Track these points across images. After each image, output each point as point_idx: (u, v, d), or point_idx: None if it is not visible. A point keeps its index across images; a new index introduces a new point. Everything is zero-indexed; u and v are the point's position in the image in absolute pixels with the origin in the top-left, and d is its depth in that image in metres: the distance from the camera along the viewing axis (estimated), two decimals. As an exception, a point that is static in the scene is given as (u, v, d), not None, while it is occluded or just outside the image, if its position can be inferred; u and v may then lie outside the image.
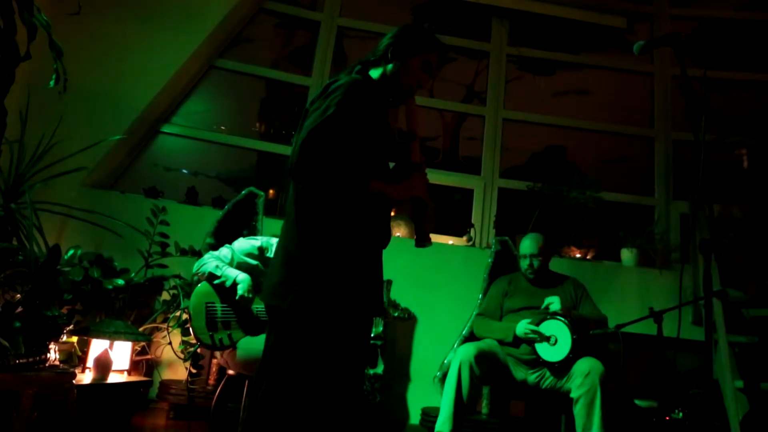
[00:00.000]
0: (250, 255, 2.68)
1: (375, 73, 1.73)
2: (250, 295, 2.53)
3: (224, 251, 2.67)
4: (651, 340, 2.61)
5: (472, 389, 2.68)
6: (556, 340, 2.72)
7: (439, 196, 4.75)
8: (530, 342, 2.77)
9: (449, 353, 3.31)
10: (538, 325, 2.77)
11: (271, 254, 2.72)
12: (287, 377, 1.49)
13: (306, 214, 1.54)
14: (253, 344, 2.51)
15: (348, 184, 1.51)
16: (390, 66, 1.70)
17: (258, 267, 2.68)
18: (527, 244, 3.07)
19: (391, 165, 1.77)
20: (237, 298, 2.52)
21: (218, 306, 2.56)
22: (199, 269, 2.61)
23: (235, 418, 2.77)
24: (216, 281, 2.56)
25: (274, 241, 2.78)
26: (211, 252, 2.69)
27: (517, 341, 2.83)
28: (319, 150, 1.46)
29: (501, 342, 2.89)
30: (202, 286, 2.59)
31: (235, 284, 2.53)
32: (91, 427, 2.55)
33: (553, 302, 2.86)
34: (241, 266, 2.64)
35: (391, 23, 4.88)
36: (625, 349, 2.70)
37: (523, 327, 2.79)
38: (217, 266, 2.57)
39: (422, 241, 1.68)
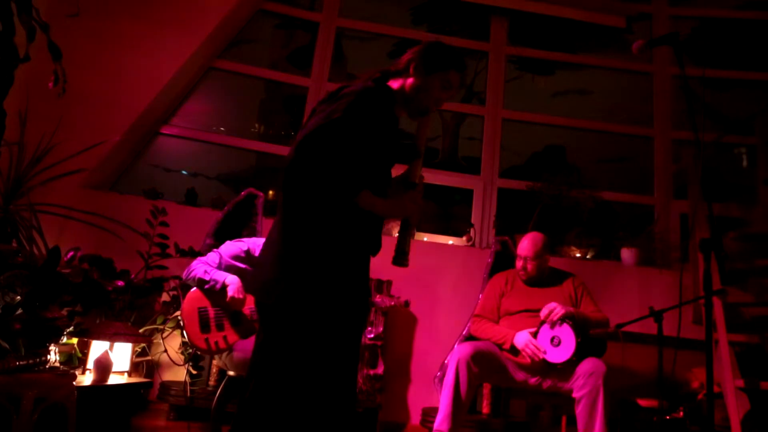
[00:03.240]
0: (237, 258, 2.70)
1: (394, 84, 1.72)
2: (241, 296, 2.55)
3: (212, 256, 2.69)
4: (651, 340, 2.61)
5: (470, 387, 2.68)
6: (560, 341, 2.72)
7: (439, 196, 4.75)
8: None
9: (449, 353, 3.31)
10: (539, 328, 2.76)
11: (257, 254, 2.74)
12: (275, 375, 1.49)
13: (294, 214, 1.54)
14: (249, 345, 2.52)
15: (336, 193, 1.49)
16: (410, 80, 1.69)
17: (246, 269, 2.70)
18: (524, 245, 3.04)
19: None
20: (227, 300, 2.53)
21: (210, 310, 2.58)
22: (188, 276, 2.63)
23: (235, 419, 2.76)
24: (206, 286, 2.57)
25: (261, 242, 2.80)
26: (199, 258, 2.71)
27: (516, 350, 2.82)
28: (316, 152, 1.45)
29: (499, 347, 2.88)
30: (193, 292, 2.61)
31: (225, 287, 2.55)
32: (92, 429, 2.55)
33: (553, 310, 2.78)
34: (230, 269, 2.66)
35: (391, 24, 4.88)
36: (626, 348, 2.70)
37: (523, 342, 2.77)
38: (205, 271, 2.59)
39: (400, 260, 1.67)
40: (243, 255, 2.72)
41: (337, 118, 1.47)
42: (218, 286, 2.55)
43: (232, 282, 2.56)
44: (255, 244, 2.79)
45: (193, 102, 4.42)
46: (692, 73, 4.26)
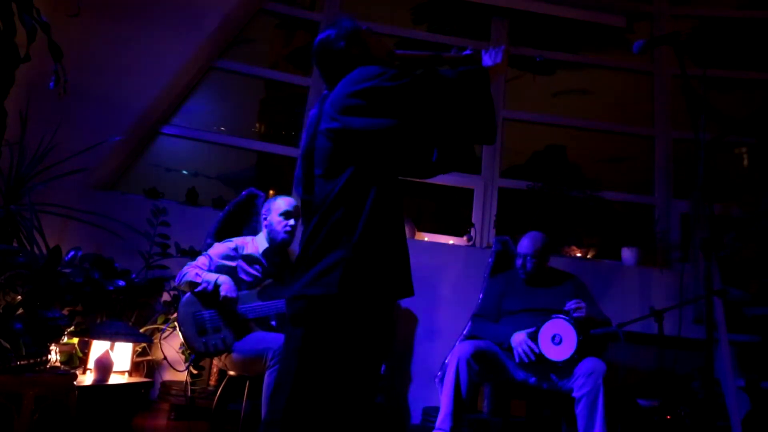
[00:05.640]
0: (227, 257, 2.73)
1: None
2: (234, 295, 2.55)
3: (201, 259, 2.71)
4: (652, 339, 2.61)
5: (470, 386, 2.68)
6: (561, 340, 2.72)
7: (439, 196, 4.75)
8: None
9: (450, 353, 3.31)
10: (541, 325, 2.76)
11: (248, 251, 2.78)
12: (320, 375, 1.46)
13: (352, 196, 1.53)
14: (247, 345, 2.53)
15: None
16: (358, 59, 1.69)
17: (237, 267, 2.72)
18: (524, 243, 3.06)
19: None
20: (220, 299, 2.53)
21: (206, 313, 2.59)
22: (180, 281, 2.64)
23: (236, 419, 2.77)
24: (198, 289, 2.58)
25: (249, 238, 2.84)
26: (189, 263, 2.72)
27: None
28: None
29: (499, 347, 2.89)
30: (186, 298, 2.63)
31: (217, 287, 2.55)
32: (93, 428, 2.55)
33: (581, 308, 2.77)
34: (222, 270, 2.68)
35: (391, 23, 4.88)
36: (626, 348, 2.69)
37: (518, 341, 2.77)
38: (196, 274, 2.60)
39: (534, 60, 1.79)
40: (233, 253, 2.74)
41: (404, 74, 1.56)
42: (210, 287, 2.57)
43: (224, 281, 2.57)
44: (243, 241, 2.81)
45: (194, 102, 4.42)
46: (693, 72, 4.25)
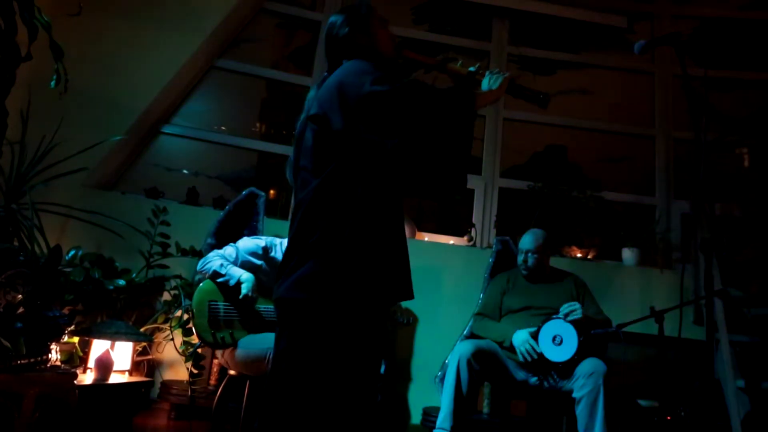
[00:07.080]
0: (254, 254, 2.69)
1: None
2: (254, 295, 2.54)
3: (229, 250, 2.68)
4: (652, 340, 2.61)
5: (471, 385, 2.69)
6: (562, 340, 2.72)
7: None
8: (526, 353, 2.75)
9: (450, 353, 3.31)
10: (541, 326, 2.76)
11: (275, 254, 2.73)
12: (310, 378, 1.44)
13: (341, 199, 1.47)
14: (252, 344, 2.52)
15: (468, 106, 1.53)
16: (362, 48, 1.67)
17: (262, 266, 2.69)
18: (525, 240, 3.08)
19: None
20: (240, 297, 2.52)
21: (221, 304, 2.57)
22: (203, 267, 2.62)
23: (236, 418, 2.77)
24: (220, 279, 2.57)
25: (278, 241, 2.80)
26: (215, 250, 2.70)
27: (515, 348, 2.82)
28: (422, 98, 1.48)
29: (499, 345, 2.89)
30: (206, 284, 2.60)
31: (239, 283, 2.54)
32: (93, 428, 2.55)
33: (575, 310, 2.79)
34: (245, 265, 2.65)
35: (392, 23, 4.87)
36: (627, 348, 2.69)
37: (520, 340, 2.78)
38: (221, 264, 2.58)
39: (538, 96, 1.70)
40: (260, 252, 2.70)
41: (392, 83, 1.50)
42: (232, 281, 2.55)
43: (247, 280, 2.55)
44: (273, 243, 2.77)
45: (195, 101, 4.42)
46: (694, 72, 4.25)
